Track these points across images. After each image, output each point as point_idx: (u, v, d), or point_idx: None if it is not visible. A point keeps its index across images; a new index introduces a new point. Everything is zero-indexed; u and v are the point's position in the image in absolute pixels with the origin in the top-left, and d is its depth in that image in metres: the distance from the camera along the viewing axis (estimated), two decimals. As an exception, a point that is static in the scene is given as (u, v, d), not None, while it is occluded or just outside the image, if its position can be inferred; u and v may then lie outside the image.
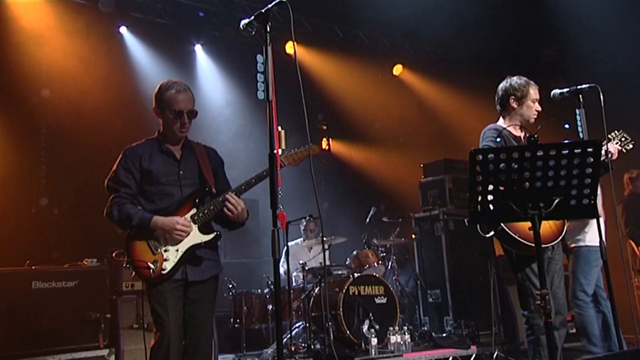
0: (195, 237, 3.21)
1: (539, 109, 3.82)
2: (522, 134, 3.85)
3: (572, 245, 5.20)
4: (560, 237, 3.67)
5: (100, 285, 5.03)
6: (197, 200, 3.24)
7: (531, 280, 3.59)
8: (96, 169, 6.90)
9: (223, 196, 3.17)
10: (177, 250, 3.15)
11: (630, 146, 3.78)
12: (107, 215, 3.24)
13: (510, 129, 3.80)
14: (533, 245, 3.38)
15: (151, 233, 3.16)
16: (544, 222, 3.49)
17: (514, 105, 3.83)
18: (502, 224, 3.51)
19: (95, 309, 4.89)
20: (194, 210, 3.23)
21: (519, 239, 3.50)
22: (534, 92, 3.82)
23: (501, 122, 3.89)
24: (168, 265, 3.12)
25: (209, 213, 3.20)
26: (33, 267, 4.86)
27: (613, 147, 3.74)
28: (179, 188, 3.27)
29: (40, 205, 6.74)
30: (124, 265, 3.28)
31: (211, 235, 3.24)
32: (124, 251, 3.22)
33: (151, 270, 3.10)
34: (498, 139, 3.65)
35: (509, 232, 3.50)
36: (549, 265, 3.72)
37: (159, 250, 3.15)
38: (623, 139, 3.78)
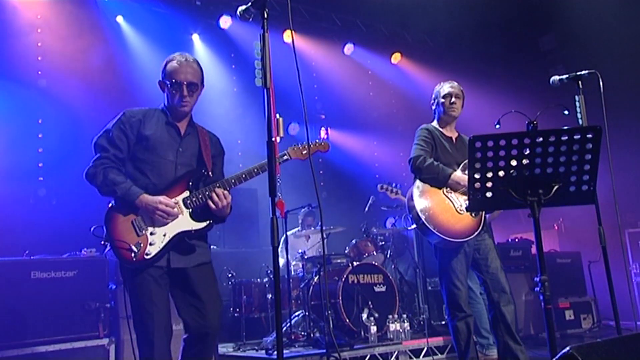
0: (186, 223, 2.99)
1: (455, 101, 4.13)
2: (453, 135, 4.23)
3: None
4: (479, 229, 3.88)
5: (99, 275, 5.02)
6: (190, 183, 3.04)
7: (448, 274, 3.91)
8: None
9: (211, 186, 3.01)
10: (164, 235, 2.92)
11: None
12: (87, 176, 2.99)
13: (442, 129, 4.20)
14: (452, 240, 3.77)
15: (136, 210, 2.92)
16: (465, 216, 3.85)
17: (433, 107, 4.30)
18: (422, 219, 3.83)
19: (95, 298, 4.89)
20: (186, 193, 3.03)
21: (440, 234, 3.79)
22: (445, 89, 4.18)
23: (434, 123, 4.30)
24: (152, 250, 2.88)
25: (203, 198, 3.00)
26: (32, 257, 4.85)
27: None
28: (174, 166, 3.06)
29: (39, 196, 6.72)
30: (102, 242, 2.94)
31: (203, 224, 3.02)
32: (104, 226, 2.94)
33: (133, 254, 2.85)
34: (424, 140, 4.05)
35: (430, 227, 3.81)
36: (480, 250, 3.98)
37: (143, 231, 2.90)
38: None
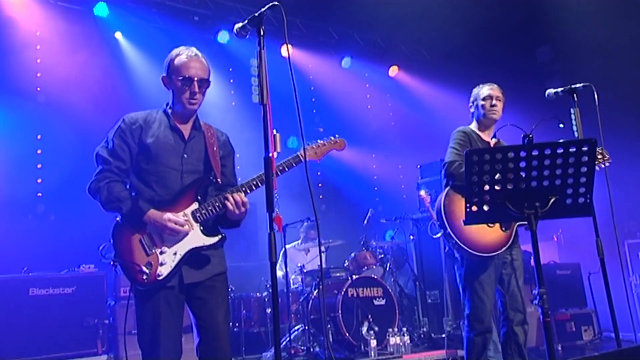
0: (197, 238, 2.79)
1: (495, 104, 3.96)
2: (491, 140, 4.02)
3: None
4: (508, 244, 3.77)
5: (98, 291, 5.01)
6: (198, 196, 2.83)
7: (474, 288, 3.78)
8: (92, 175, 6.94)
9: (224, 194, 2.80)
10: (174, 254, 2.74)
11: (608, 164, 3.81)
12: (90, 191, 2.83)
13: (480, 133, 4.01)
14: (479, 254, 3.66)
15: (144, 226, 2.74)
16: (495, 229, 3.72)
17: (472, 110, 4.12)
18: (449, 229, 3.69)
19: (94, 314, 4.87)
20: (195, 205, 2.82)
21: (465, 247, 3.66)
22: (483, 91, 4.02)
23: (472, 125, 4.12)
24: (164, 271, 2.71)
25: (213, 210, 2.80)
26: (30, 274, 4.84)
27: None
28: (179, 174, 2.85)
29: (37, 212, 6.72)
30: (111, 262, 2.77)
31: (215, 238, 2.83)
32: (111, 244, 2.77)
33: (145, 275, 2.67)
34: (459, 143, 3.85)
35: (458, 242, 3.67)
36: (507, 265, 3.86)
37: (153, 250, 2.73)
38: (601, 156, 3.81)
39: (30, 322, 4.59)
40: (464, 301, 3.89)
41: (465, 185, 2.67)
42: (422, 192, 6.44)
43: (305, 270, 6.33)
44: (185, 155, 2.88)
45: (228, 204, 2.77)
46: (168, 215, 2.73)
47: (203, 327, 2.79)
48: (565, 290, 6.73)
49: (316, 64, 9.25)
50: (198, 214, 2.81)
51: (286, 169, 2.97)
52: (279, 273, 6.18)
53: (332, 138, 3.26)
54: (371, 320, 5.82)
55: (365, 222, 7.09)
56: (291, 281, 6.43)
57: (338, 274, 6.54)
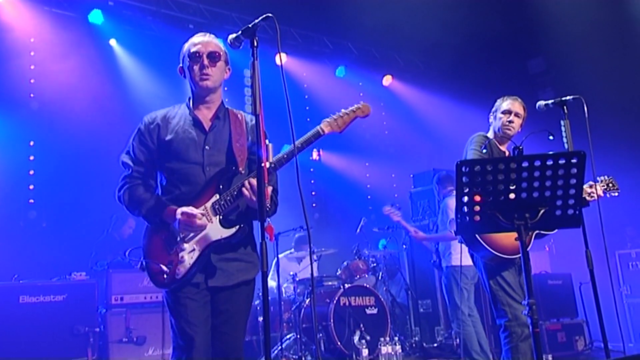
0: (215, 231, 2.63)
1: (513, 120, 3.91)
2: (506, 151, 3.99)
3: (444, 264, 5.81)
4: (529, 247, 3.73)
5: (89, 299, 4.99)
6: (220, 186, 2.67)
7: (504, 289, 3.66)
8: (86, 182, 6.95)
9: (242, 181, 2.61)
10: (192, 250, 2.61)
11: (615, 194, 3.82)
12: (117, 199, 2.79)
13: (497, 142, 3.96)
14: (503, 255, 3.57)
15: (167, 225, 2.65)
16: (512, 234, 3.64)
17: (490, 120, 4.07)
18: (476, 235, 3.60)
19: (84, 322, 4.85)
20: (215, 197, 2.66)
21: (491, 250, 3.59)
22: (505, 104, 3.97)
23: (490, 134, 4.06)
24: (182, 269, 2.59)
25: (230, 199, 2.64)
26: (21, 281, 4.82)
27: (598, 191, 3.78)
28: (201, 168, 2.70)
29: (29, 218, 6.69)
30: (139, 266, 2.68)
31: (232, 230, 2.63)
32: (142, 246, 2.72)
33: (165, 275, 2.59)
34: (484, 150, 3.74)
35: (482, 242, 3.60)
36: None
37: (174, 248, 2.62)
38: (610, 185, 3.83)
39: (21, 330, 4.56)
40: (497, 311, 3.71)
41: (456, 195, 2.69)
42: (387, 208, 6.24)
43: (297, 279, 6.32)
44: (207, 148, 2.74)
45: (244, 190, 2.58)
46: (182, 208, 2.60)
47: (219, 339, 2.66)
48: (557, 300, 6.76)
49: (311, 73, 9.30)
50: (217, 206, 2.65)
51: (305, 147, 2.78)
52: (272, 283, 6.17)
53: (356, 105, 3.01)
54: (363, 329, 5.82)
55: (358, 230, 7.10)
56: (283, 290, 6.42)
57: (330, 283, 6.54)
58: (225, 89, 3.00)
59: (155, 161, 2.79)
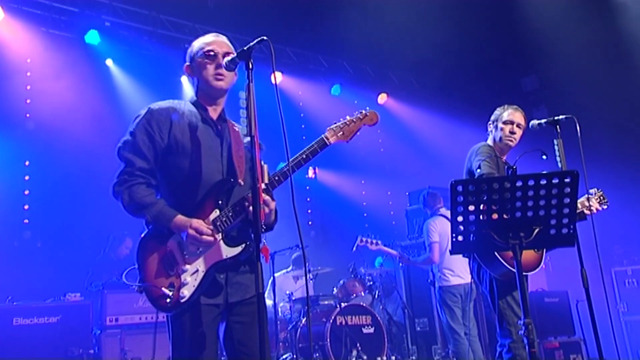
0: (220, 250, 2.46)
1: (514, 131, 3.84)
2: (507, 162, 3.90)
3: (436, 284, 5.86)
4: (541, 264, 3.71)
5: (83, 320, 4.95)
6: (220, 201, 2.48)
7: (513, 309, 3.59)
8: (81, 202, 6.93)
9: (245, 195, 2.46)
10: (196, 271, 2.42)
11: (605, 207, 3.84)
12: (113, 195, 2.52)
13: (497, 152, 3.86)
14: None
15: (167, 239, 2.44)
16: (528, 251, 3.58)
17: (490, 128, 3.99)
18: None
19: (79, 344, 4.80)
20: (216, 213, 2.48)
21: (509, 266, 3.50)
22: (506, 114, 3.89)
23: (491, 144, 3.97)
24: (187, 292, 2.40)
25: (233, 216, 2.47)
26: (14, 303, 4.77)
27: (595, 204, 3.79)
28: (221, 175, 2.54)
29: (24, 239, 6.66)
30: (136, 288, 2.44)
31: (238, 249, 2.45)
32: (136, 263, 2.47)
33: (168, 299, 2.39)
34: (492, 157, 3.67)
35: (499, 258, 3.51)
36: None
37: (175, 269, 2.42)
38: (602, 197, 3.85)
39: (14, 353, 4.51)
40: (501, 330, 3.62)
41: (451, 215, 2.70)
42: (362, 239, 6.16)
43: (293, 298, 6.29)
44: (224, 154, 2.59)
45: (247, 205, 2.43)
46: (193, 221, 2.41)
47: (242, 353, 2.51)
48: (554, 318, 6.73)
49: (306, 91, 9.35)
50: (219, 222, 2.46)
51: (310, 157, 2.66)
52: (268, 302, 6.14)
53: (362, 111, 2.89)
54: (360, 348, 5.79)
55: (355, 249, 7.08)
56: (279, 309, 6.38)
57: (326, 302, 6.50)
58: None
59: (160, 158, 2.54)
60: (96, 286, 5.57)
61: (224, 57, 2.58)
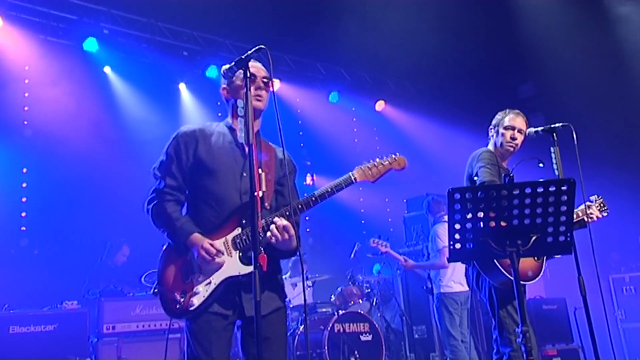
0: (234, 267, 2.56)
1: (515, 137, 3.78)
2: (508, 168, 3.86)
3: (435, 291, 5.84)
4: (541, 273, 3.70)
5: (80, 328, 4.93)
6: (244, 220, 2.60)
7: (513, 318, 3.56)
8: (78, 210, 6.92)
9: (269, 219, 2.57)
10: (208, 283, 2.55)
11: (605, 214, 3.83)
12: (145, 211, 2.70)
13: (498, 157, 3.80)
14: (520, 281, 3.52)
15: (187, 252, 2.59)
16: (527, 259, 3.57)
17: (491, 133, 3.92)
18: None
19: (76, 352, 4.78)
20: (237, 231, 2.61)
21: (508, 274, 3.46)
22: (507, 119, 3.82)
23: (492, 149, 3.91)
24: (196, 301, 2.53)
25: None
26: (11, 311, 4.75)
27: (596, 212, 3.78)
28: (239, 194, 2.64)
29: (20, 246, 6.64)
30: (152, 291, 2.63)
31: (251, 267, 2.43)
32: (157, 271, 2.63)
33: (178, 305, 2.53)
34: (494, 164, 3.61)
35: (499, 266, 3.49)
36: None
37: (190, 278, 2.57)
38: (602, 205, 3.84)
39: (10, 361, 4.49)
40: (502, 339, 3.57)
41: (448, 222, 2.70)
42: (374, 240, 6.19)
43: (291, 305, 6.28)
44: (244, 174, 2.67)
45: (269, 231, 2.55)
46: (204, 242, 2.55)
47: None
48: (552, 325, 6.73)
49: (304, 99, 9.38)
50: (238, 240, 2.60)
51: (335, 192, 2.77)
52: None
53: (392, 156, 3.01)
54: (357, 356, 5.77)
55: (352, 256, 7.08)
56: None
57: (324, 309, 6.49)
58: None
59: (188, 176, 2.70)
60: (93, 294, 5.55)
61: (262, 80, 2.73)
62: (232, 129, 2.79)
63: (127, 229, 6.66)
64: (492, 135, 3.92)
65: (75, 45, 7.30)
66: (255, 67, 2.73)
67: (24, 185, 6.88)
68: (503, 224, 2.65)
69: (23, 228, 6.76)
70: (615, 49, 8.01)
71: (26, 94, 7.03)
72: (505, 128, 3.80)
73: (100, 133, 7.15)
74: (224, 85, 2.82)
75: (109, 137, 7.22)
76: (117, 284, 5.80)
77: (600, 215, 3.82)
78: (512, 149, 3.81)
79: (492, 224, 2.65)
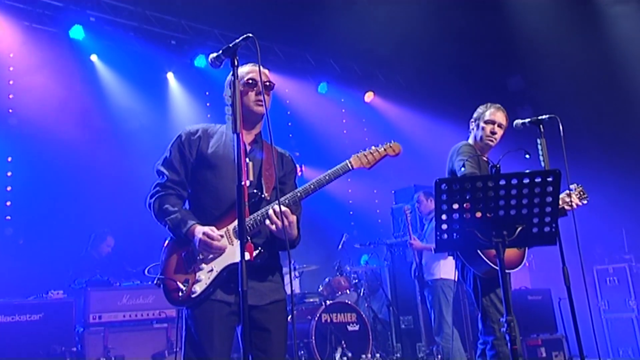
0: (236, 254, 2.61)
1: (495, 131, 3.83)
2: (488, 160, 3.84)
3: (428, 278, 5.84)
4: (524, 261, 3.74)
5: (66, 318, 4.90)
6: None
7: (496, 306, 3.61)
8: (64, 199, 6.86)
9: (266, 208, 2.66)
10: (210, 271, 2.63)
11: (585, 202, 3.87)
12: (147, 205, 2.77)
13: (478, 151, 3.85)
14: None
15: (189, 242, 2.67)
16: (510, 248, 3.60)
17: (472, 126, 3.96)
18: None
19: (61, 342, 4.76)
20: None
21: (491, 263, 3.52)
22: (488, 113, 3.86)
23: (472, 143, 3.95)
24: (198, 288, 2.61)
25: (254, 225, 2.66)
26: (-4, 300, 4.72)
27: (576, 200, 3.81)
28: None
29: (5, 235, 6.58)
30: (155, 281, 2.68)
31: (253, 254, 2.65)
32: (161, 262, 2.70)
33: (180, 292, 2.61)
34: (473, 157, 3.66)
35: (482, 255, 3.53)
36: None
37: (193, 266, 2.64)
38: (582, 193, 3.88)
39: (-5, 351, 4.46)
40: (485, 328, 3.62)
41: (435, 213, 2.71)
42: (408, 209, 6.37)
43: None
44: (248, 171, 2.78)
45: (268, 218, 2.63)
46: (203, 228, 2.63)
47: (260, 358, 2.65)
48: (537, 315, 6.81)
49: (293, 89, 9.35)
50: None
51: (332, 179, 2.86)
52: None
53: (387, 143, 3.11)
54: (345, 346, 5.80)
55: (340, 246, 7.10)
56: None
57: (312, 300, 6.51)
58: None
59: (191, 172, 2.80)
60: (79, 283, 5.52)
61: (264, 84, 2.77)
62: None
63: (112, 220, 6.63)
64: (473, 129, 3.95)
65: (61, 32, 7.20)
66: (255, 71, 2.82)
67: (9, 174, 6.79)
68: (489, 214, 2.67)
69: (8, 217, 6.69)
70: (603, 44, 8.06)
71: (11, 82, 6.92)
72: (486, 122, 3.85)
73: (86, 122, 7.08)
74: (225, 93, 2.88)
75: (95, 126, 7.15)
76: (102, 275, 5.77)
77: (579, 203, 3.84)
78: (491, 143, 3.85)
79: (479, 214, 2.68)
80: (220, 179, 2.75)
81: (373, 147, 3.04)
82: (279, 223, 2.60)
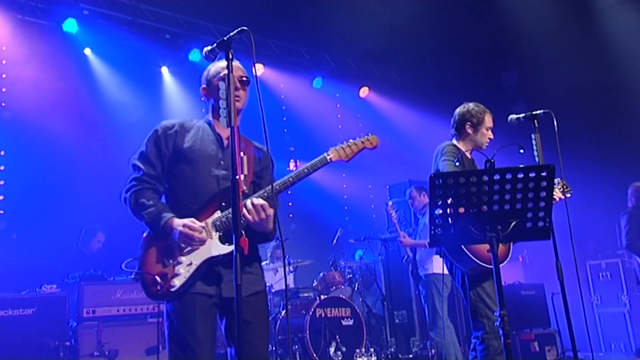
0: (214, 247, 2.65)
1: (492, 136, 3.96)
2: (472, 158, 3.97)
3: (422, 273, 5.84)
4: (509, 256, 3.77)
5: (59, 312, 4.89)
6: (223, 203, 2.70)
7: (484, 301, 3.64)
8: (57, 193, 6.83)
9: (245, 201, 2.64)
10: (189, 264, 2.62)
11: (569, 195, 3.90)
12: (122, 200, 2.75)
13: (467, 153, 3.93)
14: (487, 266, 3.57)
15: (166, 236, 2.65)
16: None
17: (469, 131, 3.96)
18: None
19: (54, 336, 4.75)
20: (217, 214, 2.70)
21: (476, 260, 3.56)
22: (488, 120, 3.96)
23: (460, 144, 3.99)
24: (177, 282, 2.59)
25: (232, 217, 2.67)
26: (-11, 295, 4.70)
27: (558, 193, 3.84)
28: (216, 181, 2.74)
29: (-2, 230, 6.56)
30: (133, 276, 2.68)
31: (230, 247, 2.57)
32: (138, 257, 2.69)
33: (158, 286, 2.59)
34: (457, 163, 3.72)
35: (467, 252, 3.57)
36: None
37: (170, 261, 2.63)
38: (565, 186, 3.91)
39: (-12, 345, 4.45)
40: (475, 323, 3.68)
41: (430, 208, 2.72)
42: (391, 206, 6.34)
43: (273, 290, 6.29)
44: (222, 162, 2.79)
45: (245, 211, 2.61)
46: (184, 221, 2.62)
47: (246, 351, 2.61)
48: (530, 310, 6.84)
49: (288, 84, 9.32)
50: (218, 222, 2.69)
51: (311, 171, 2.85)
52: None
53: (365, 136, 3.10)
54: (339, 340, 5.82)
55: (335, 241, 7.11)
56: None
57: (306, 294, 6.53)
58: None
59: (167, 167, 2.78)
60: (73, 278, 5.50)
61: (239, 80, 2.79)
62: (211, 125, 2.88)
63: (103, 215, 6.60)
64: (470, 132, 3.94)
65: (54, 25, 7.14)
66: (234, 68, 2.70)
67: (2, 168, 6.76)
68: (483, 209, 2.68)
69: (1, 212, 6.67)
70: (598, 39, 8.08)
71: (3, 75, 6.88)
72: (487, 129, 3.95)
73: (79, 116, 7.04)
74: (204, 85, 2.91)
75: (88, 120, 7.11)
76: (95, 269, 5.75)
77: (562, 197, 3.87)
78: (484, 147, 3.94)
79: (473, 209, 2.68)
80: (197, 172, 2.74)
81: (351, 140, 3.03)
82: (255, 216, 2.61)
